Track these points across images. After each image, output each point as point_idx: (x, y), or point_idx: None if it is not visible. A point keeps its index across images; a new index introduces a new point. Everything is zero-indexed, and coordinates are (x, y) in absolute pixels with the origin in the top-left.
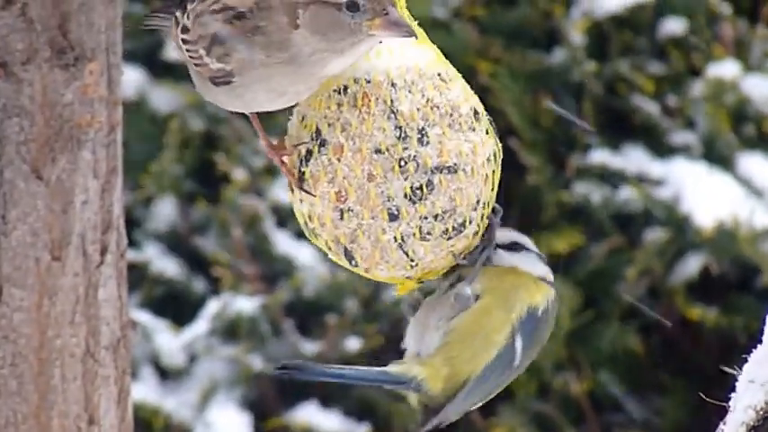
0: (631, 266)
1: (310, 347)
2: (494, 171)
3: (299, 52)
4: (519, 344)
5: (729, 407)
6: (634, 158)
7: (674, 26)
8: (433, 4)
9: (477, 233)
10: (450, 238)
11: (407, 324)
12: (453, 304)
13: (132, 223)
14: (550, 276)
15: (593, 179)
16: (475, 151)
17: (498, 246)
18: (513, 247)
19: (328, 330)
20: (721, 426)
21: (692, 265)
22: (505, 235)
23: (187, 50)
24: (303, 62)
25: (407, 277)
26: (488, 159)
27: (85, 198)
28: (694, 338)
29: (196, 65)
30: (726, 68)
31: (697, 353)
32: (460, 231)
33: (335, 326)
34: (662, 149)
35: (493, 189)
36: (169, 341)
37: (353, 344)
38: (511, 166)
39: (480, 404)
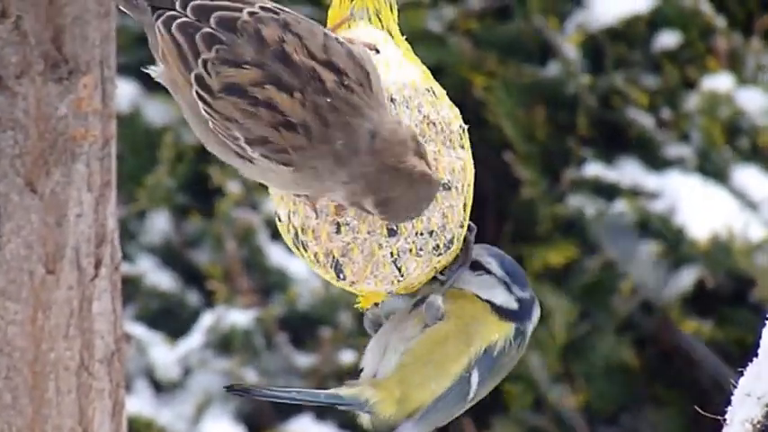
0: (626, 279)
1: (304, 360)
2: (469, 186)
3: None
4: (475, 378)
5: (725, 421)
6: (628, 171)
7: (668, 39)
8: (428, 17)
9: (456, 249)
10: (439, 255)
11: (369, 341)
12: (415, 325)
13: (126, 236)
14: (512, 304)
15: (588, 192)
16: (465, 168)
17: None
18: (476, 266)
19: (322, 343)
20: None
21: (686, 279)
22: (475, 251)
23: (208, 113)
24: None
25: (389, 292)
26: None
27: (80, 211)
28: (689, 352)
29: (222, 134)
30: (720, 81)
31: (692, 367)
32: (449, 248)
33: (330, 339)
34: (656, 162)
35: (466, 205)
36: (164, 354)
37: (348, 357)
38: (505, 180)
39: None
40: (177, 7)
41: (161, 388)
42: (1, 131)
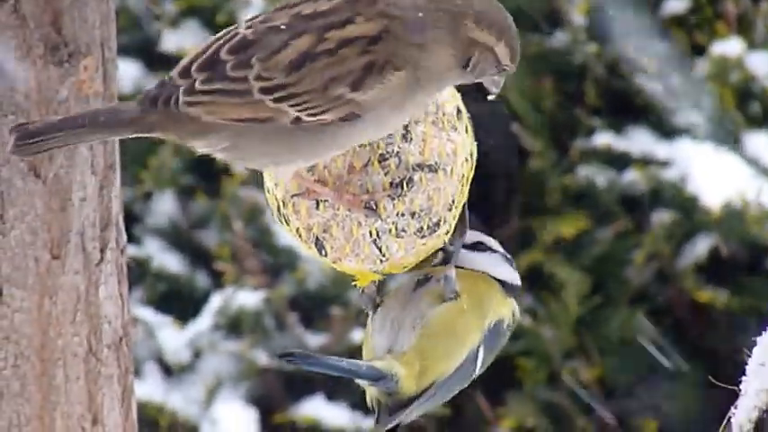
0: (639, 250)
1: (315, 340)
2: (471, 169)
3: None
4: (481, 354)
5: (740, 391)
6: (639, 140)
7: (676, 4)
8: None
9: (447, 233)
10: (423, 237)
11: (371, 317)
12: (429, 301)
13: (132, 219)
14: (517, 280)
15: (598, 162)
16: (456, 152)
17: (463, 246)
18: (478, 247)
19: (333, 323)
20: (732, 410)
21: (700, 247)
22: (470, 235)
23: (298, 106)
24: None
25: (374, 271)
26: (466, 159)
27: (84, 195)
28: (704, 321)
29: (309, 116)
30: (730, 46)
31: (707, 336)
32: (434, 231)
33: (340, 318)
34: (667, 130)
35: (464, 187)
36: (173, 338)
37: (359, 335)
38: (514, 151)
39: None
40: (177, 79)
41: (171, 372)
42: (2, 116)
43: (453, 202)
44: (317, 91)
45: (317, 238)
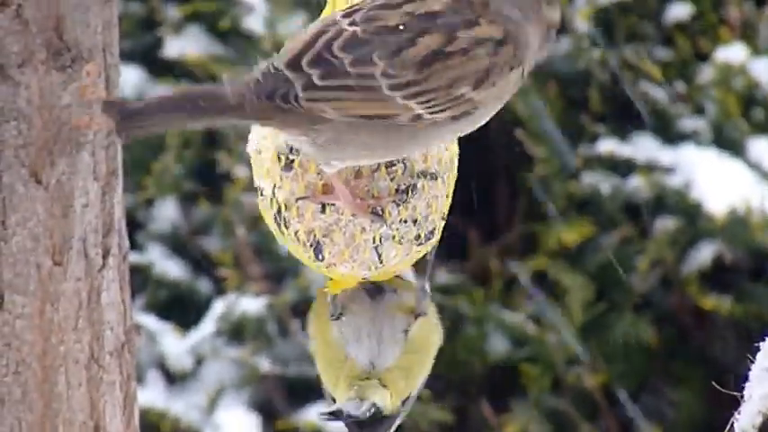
0: (643, 256)
1: None
2: (454, 179)
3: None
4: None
5: (743, 397)
6: (643, 146)
7: (680, 10)
8: None
9: (437, 240)
10: (420, 244)
11: (336, 325)
12: (403, 314)
13: (134, 225)
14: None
15: (602, 169)
16: (452, 160)
17: None
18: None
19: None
20: (736, 415)
21: (704, 254)
22: None
23: (419, 101)
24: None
25: (364, 278)
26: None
27: (86, 201)
28: (708, 329)
29: (430, 113)
30: (733, 52)
31: (711, 343)
32: (429, 239)
33: None
34: (671, 136)
35: (449, 197)
36: (175, 344)
37: None
38: (518, 158)
39: None
40: (287, 72)
41: (173, 378)
42: (4, 122)
43: (445, 211)
44: (443, 89)
45: (318, 242)
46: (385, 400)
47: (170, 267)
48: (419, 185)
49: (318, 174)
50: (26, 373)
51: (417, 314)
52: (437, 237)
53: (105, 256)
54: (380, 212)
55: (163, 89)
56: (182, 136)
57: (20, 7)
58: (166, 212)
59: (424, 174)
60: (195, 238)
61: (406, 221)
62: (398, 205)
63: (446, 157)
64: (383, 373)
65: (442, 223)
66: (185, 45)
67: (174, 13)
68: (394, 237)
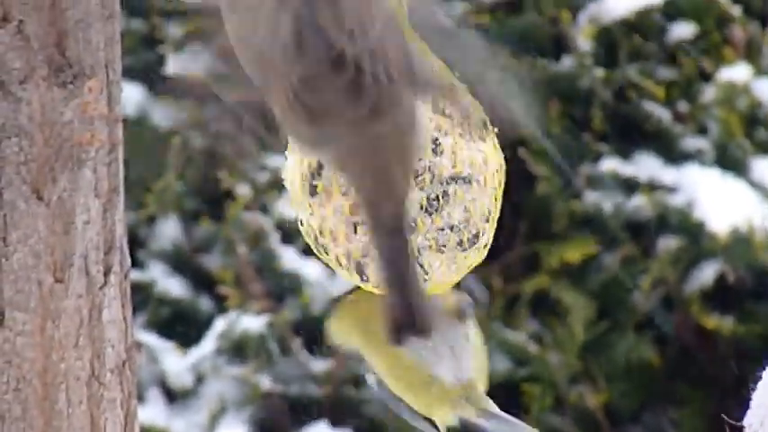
0: (645, 276)
1: (320, 365)
2: (502, 181)
3: None
4: None
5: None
6: (645, 165)
7: (683, 30)
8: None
9: (486, 246)
10: (464, 250)
11: (420, 350)
12: (460, 324)
13: (136, 243)
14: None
15: (604, 188)
16: (486, 161)
17: None
18: None
19: (338, 348)
20: None
21: (707, 274)
22: None
23: None
24: None
25: None
26: (497, 170)
27: (87, 218)
28: (711, 348)
29: None
30: (737, 72)
31: (713, 362)
32: (474, 243)
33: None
34: (674, 156)
35: (497, 200)
36: (176, 362)
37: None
38: (520, 176)
39: None
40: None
41: (174, 396)
42: (6, 138)
43: (489, 212)
44: None
45: (359, 263)
46: (493, 406)
47: (171, 285)
48: (450, 191)
49: (344, 195)
50: (26, 390)
51: (460, 317)
52: (487, 239)
53: (107, 273)
54: (413, 225)
55: (164, 108)
56: (183, 154)
57: (21, 23)
58: (168, 230)
59: (454, 179)
60: (196, 256)
61: (442, 229)
62: (431, 214)
63: (479, 159)
64: (469, 384)
65: (487, 225)
66: (187, 63)
67: (175, 30)
68: (431, 246)
